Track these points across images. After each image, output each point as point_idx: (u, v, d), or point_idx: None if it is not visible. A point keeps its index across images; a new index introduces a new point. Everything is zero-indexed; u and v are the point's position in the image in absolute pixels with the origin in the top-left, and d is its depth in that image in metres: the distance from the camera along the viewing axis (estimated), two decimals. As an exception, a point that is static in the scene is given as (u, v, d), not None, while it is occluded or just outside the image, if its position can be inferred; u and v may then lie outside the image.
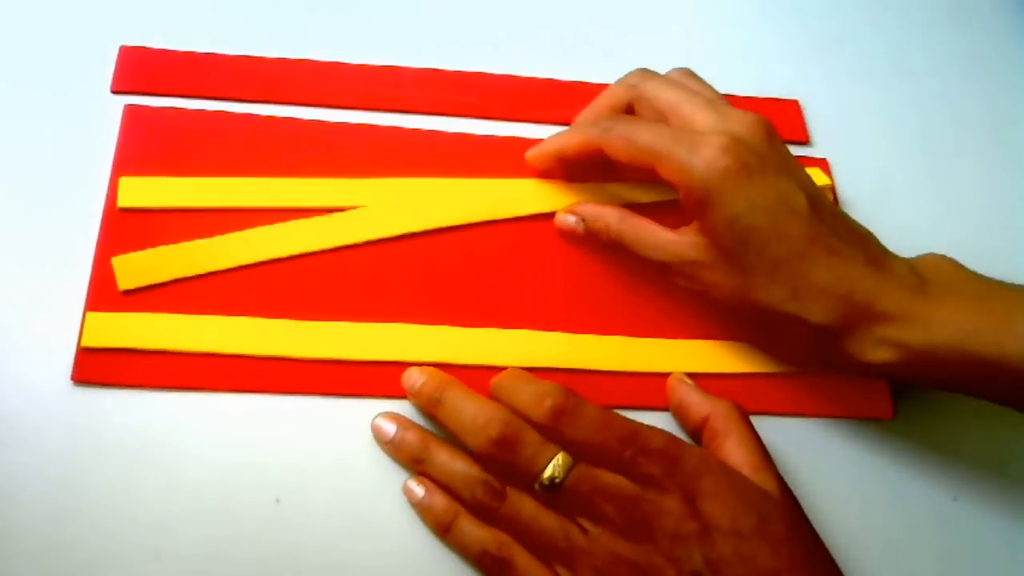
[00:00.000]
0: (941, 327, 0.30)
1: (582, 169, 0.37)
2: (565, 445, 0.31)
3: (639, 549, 0.29)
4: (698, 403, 0.33)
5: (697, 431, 0.33)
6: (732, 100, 0.42)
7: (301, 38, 0.40)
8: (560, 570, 0.30)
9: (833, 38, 0.47)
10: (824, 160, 0.42)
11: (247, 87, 0.38)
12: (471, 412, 0.31)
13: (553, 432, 0.31)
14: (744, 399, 0.34)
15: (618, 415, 0.31)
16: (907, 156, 0.44)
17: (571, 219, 0.36)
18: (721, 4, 0.47)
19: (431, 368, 0.33)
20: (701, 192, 0.31)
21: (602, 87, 0.40)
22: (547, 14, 0.44)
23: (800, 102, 0.44)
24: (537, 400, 0.31)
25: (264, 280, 0.34)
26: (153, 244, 0.34)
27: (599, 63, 0.42)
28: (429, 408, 0.33)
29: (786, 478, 0.32)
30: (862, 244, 0.33)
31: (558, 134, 0.37)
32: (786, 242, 0.31)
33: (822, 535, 0.31)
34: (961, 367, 0.30)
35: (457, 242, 0.36)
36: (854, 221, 0.34)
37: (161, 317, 0.33)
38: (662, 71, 0.36)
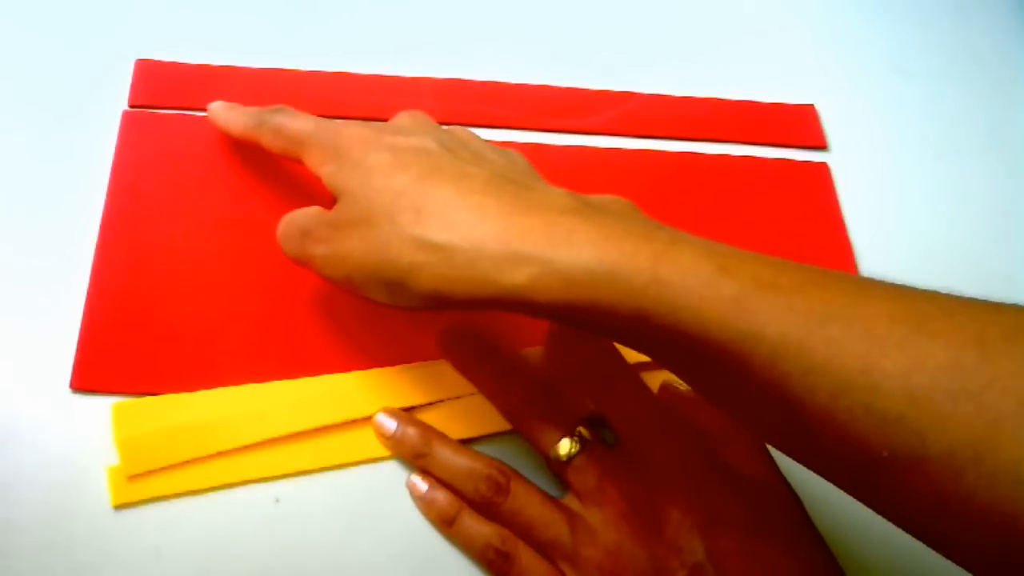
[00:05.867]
0: (588, 244, 0.25)
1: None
2: (609, 406, 0.31)
3: (643, 539, 0.29)
4: (692, 406, 0.33)
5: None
6: (750, 107, 0.43)
7: (317, 50, 0.41)
8: (563, 566, 0.30)
9: (847, 43, 0.47)
10: (824, 164, 0.42)
11: (263, 99, 0.38)
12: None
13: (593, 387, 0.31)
14: None
15: (656, 395, 0.32)
16: (918, 157, 0.44)
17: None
18: (735, 11, 0.47)
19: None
20: None
21: (621, 95, 0.41)
22: (562, 23, 0.45)
23: (816, 107, 0.44)
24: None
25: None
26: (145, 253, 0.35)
27: (615, 71, 0.43)
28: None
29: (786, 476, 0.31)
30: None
31: (229, 108, 0.36)
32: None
33: (822, 534, 0.31)
34: (609, 297, 0.24)
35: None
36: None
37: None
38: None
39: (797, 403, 0.22)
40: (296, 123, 0.32)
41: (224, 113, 0.35)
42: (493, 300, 0.26)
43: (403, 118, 0.32)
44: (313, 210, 0.30)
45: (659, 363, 0.26)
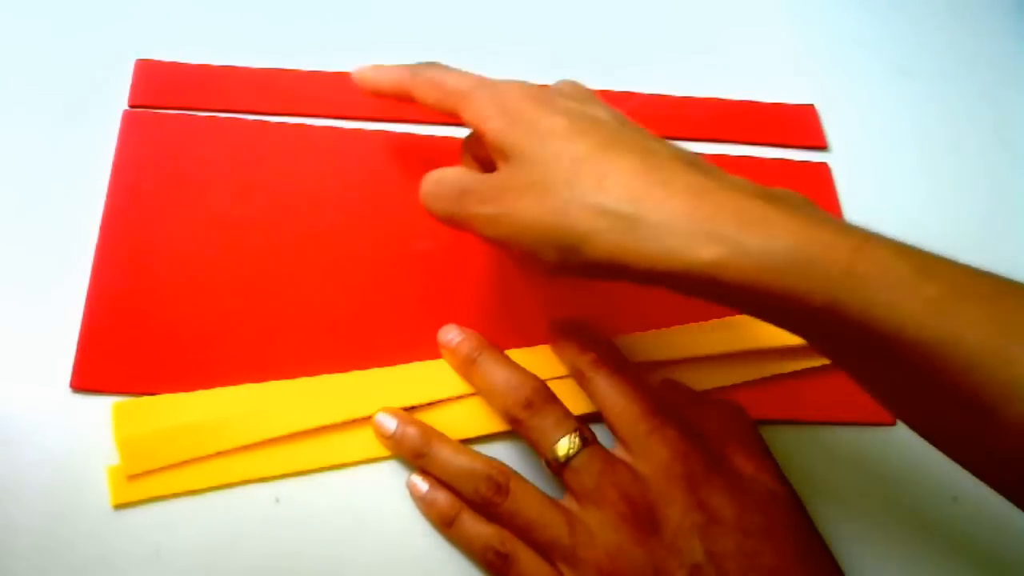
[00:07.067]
0: (783, 231, 0.24)
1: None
2: (596, 397, 0.31)
3: (642, 540, 0.29)
4: (693, 406, 0.33)
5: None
6: (750, 107, 0.43)
7: (317, 50, 0.41)
8: (562, 567, 0.30)
9: (847, 43, 0.47)
10: (824, 164, 0.42)
11: (263, 99, 0.39)
12: (504, 375, 0.32)
13: (585, 381, 0.32)
14: (746, 405, 0.33)
15: (650, 389, 0.32)
16: (918, 157, 0.44)
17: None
18: (735, 10, 0.47)
19: (470, 329, 0.34)
20: None
21: (621, 95, 0.41)
22: (562, 23, 0.45)
23: (816, 107, 0.44)
24: (582, 351, 0.32)
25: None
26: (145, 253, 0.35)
27: (615, 71, 0.43)
28: (463, 367, 0.33)
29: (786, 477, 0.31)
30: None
31: (376, 67, 0.34)
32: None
33: (822, 535, 0.31)
34: (803, 286, 0.24)
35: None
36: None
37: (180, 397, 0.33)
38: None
39: (990, 410, 0.22)
40: (455, 75, 0.31)
41: (372, 72, 0.34)
42: (675, 275, 0.25)
43: (566, 85, 0.32)
44: (464, 170, 0.30)
45: (828, 356, 0.27)
